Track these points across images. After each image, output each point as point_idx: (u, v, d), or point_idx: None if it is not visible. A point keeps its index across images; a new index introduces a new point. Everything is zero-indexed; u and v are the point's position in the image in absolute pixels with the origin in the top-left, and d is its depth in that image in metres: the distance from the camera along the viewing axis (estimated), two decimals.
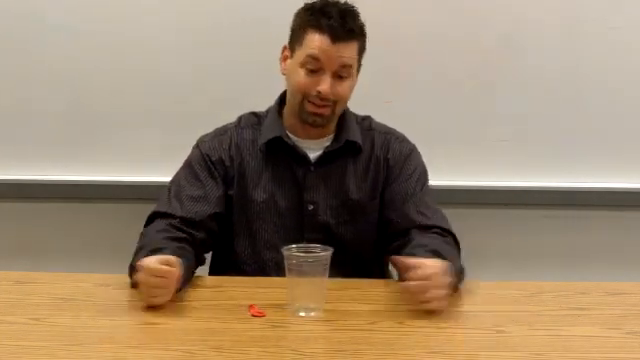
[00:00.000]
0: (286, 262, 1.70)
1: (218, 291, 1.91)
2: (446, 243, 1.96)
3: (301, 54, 1.98)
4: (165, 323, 1.68)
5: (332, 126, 2.08)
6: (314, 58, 1.96)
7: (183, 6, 2.61)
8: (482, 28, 2.60)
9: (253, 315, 1.70)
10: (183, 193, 2.04)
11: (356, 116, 2.15)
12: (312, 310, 1.69)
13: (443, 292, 1.72)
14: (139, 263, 1.73)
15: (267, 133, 2.08)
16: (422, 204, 2.04)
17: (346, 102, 2.05)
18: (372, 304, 1.78)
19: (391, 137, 2.12)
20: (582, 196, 2.66)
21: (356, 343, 1.58)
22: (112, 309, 1.74)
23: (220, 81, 2.62)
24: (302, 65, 1.98)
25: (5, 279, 1.92)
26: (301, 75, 1.98)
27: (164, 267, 1.70)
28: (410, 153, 2.11)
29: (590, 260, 2.69)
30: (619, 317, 1.74)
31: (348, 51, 1.97)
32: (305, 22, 1.99)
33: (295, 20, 2.03)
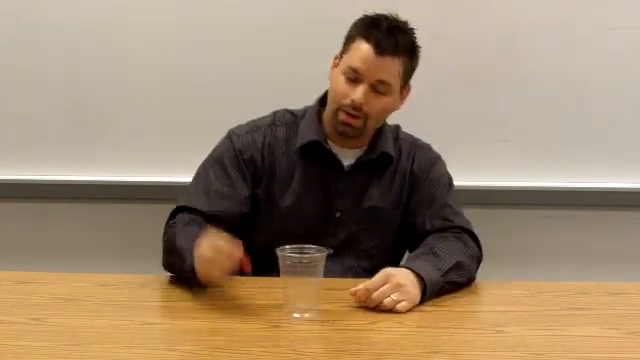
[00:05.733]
0: (280, 263, 1.69)
1: (218, 291, 1.91)
2: (454, 240, 1.96)
3: (345, 62, 1.99)
4: (165, 323, 1.68)
5: (366, 140, 2.07)
6: (355, 68, 1.96)
7: (184, 9, 2.61)
8: (482, 29, 2.60)
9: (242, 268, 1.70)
10: (212, 189, 2.02)
11: (389, 126, 2.14)
12: (306, 311, 1.69)
13: (388, 293, 1.72)
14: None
15: (305, 135, 2.06)
16: (446, 210, 2.05)
17: (379, 120, 2.03)
18: None
19: (417, 147, 2.13)
20: (582, 196, 2.66)
21: (356, 343, 1.58)
22: (112, 309, 1.74)
23: (220, 83, 2.62)
24: (344, 73, 1.98)
25: (5, 279, 1.92)
26: (341, 82, 1.98)
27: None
28: (435, 162, 2.12)
29: (590, 260, 2.69)
30: (619, 317, 1.74)
31: (388, 66, 1.96)
32: (356, 30, 2.00)
33: (350, 28, 2.04)
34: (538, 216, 2.69)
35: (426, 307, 1.78)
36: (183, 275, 1.84)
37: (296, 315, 1.68)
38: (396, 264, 2.10)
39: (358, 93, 1.95)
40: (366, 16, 2.01)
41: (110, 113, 2.66)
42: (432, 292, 1.81)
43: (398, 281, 1.74)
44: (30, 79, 2.65)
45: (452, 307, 1.79)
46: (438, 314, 1.75)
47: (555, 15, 2.59)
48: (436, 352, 1.54)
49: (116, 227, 2.68)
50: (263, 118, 2.12)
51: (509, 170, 2.65)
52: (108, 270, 2.01)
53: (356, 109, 1.96)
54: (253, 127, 2.09)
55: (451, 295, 1.86)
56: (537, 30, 2.60)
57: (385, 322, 1.68)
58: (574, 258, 2.69)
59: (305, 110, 2.11)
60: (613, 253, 2.70)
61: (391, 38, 1.95)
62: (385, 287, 1.73)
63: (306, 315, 1.69)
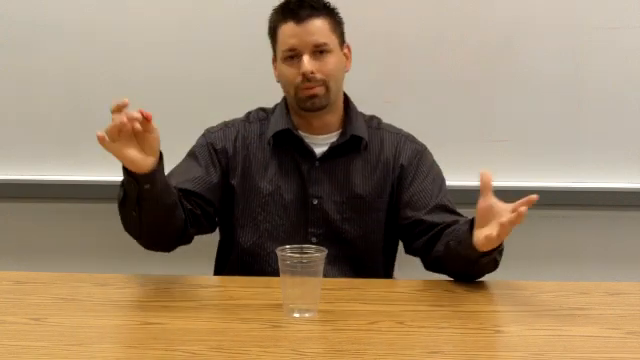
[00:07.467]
0: (280, 263, 1.69)
1: (218, 291, 1.92)
2: None
3: (279, 51, 2.06)
4: (165, 323, 1.68)
5: (337, 117, 2.10)
6: (288, 47, 2.02)
7: (183, 9, 2.61)
8: (482, 28, 2.61)
9: None
10: (177, 171, 2.07)
11: (363, 114, 2.16)
12: (306, 311, 1.69)
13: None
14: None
15: (275, 126, 2.10)
16: (447, 200, 2.09)
17: (337, 80, 2.06)
18: (372, 304, 1.78)
19: (401, 137, 2.15)
20: (582, 196, 2.66)
21: (356, 343, 1.58)
22: (112, 309, 1.74)
23: (219, 83, 2.62)
24: (284, 60, 2.04)
25: (5, 279, 1.92)
26: (286, 69, 2.04)
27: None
28: (423, 152, 2.14)
29: (590, 260, 2.69)
30: (619, 317, 1.74)
31: (315, 28, 2.02)
32: (272, 22, 2.08)
33: (268, 27, 2.10)
34: (537, 216, 2.67)
35: (426, 307, 1.78)
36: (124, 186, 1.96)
37: (296, 315, 1.69)
38: (386, 256, 2.11)
39: (305, 65, 2.01)
40: (275, 7, 2.08)
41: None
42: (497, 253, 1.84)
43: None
44: (30, 79, 2.65)
45: (452, 307, 1.79)
46: (438, 314, 1.75)
47: (555, 15, 2.59)
48: (436, 352, 1.54)
49: (116, 227, 2.67)
50: (237, 118, 2.17)
51: (509, 170, 2.65)
52: (108, 270, 2.01)
53: (311, 80, 2.01)
54: (227, 124, 2.16)
55: (451, 295, 1.86)
56: (538, 29, 2.60)
57: (385, 322, 1.68)
58: (573, 258, 2.69)
59: (275, 106, 2.16)
60: (612, 253, 2.70)
61: (303, 5, 2.03)
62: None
63: (306, 315, 1.69)
